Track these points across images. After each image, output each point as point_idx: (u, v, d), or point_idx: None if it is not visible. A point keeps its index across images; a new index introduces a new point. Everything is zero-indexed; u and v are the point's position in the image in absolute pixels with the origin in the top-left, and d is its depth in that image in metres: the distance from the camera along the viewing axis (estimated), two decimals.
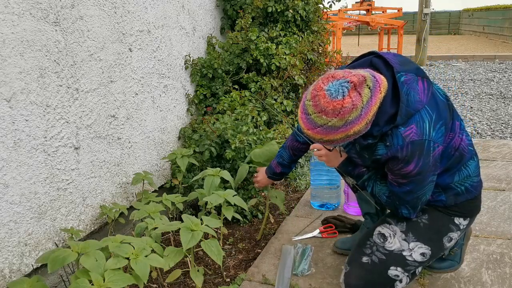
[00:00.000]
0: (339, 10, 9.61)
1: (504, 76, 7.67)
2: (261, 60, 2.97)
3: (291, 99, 3.19)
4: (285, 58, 3.02)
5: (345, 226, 2.22)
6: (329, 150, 1.64)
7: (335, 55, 3.79)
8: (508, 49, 12.46)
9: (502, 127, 4.51)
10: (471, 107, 5.40)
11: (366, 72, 1.28)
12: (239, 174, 2.15)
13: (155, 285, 1.88)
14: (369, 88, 1.25)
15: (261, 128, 2.67)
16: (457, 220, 1.56)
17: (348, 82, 1.24)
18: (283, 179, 3.01)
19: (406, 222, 1.57)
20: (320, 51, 3.62)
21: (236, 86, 2.96)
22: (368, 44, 15.12)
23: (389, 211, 1.80)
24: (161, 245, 1.65)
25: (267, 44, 2.99)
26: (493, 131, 4.39)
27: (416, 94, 1.36)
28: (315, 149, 1.71)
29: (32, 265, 1.66)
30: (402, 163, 1.37)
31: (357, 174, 1.64)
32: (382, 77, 1.31)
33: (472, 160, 1.54)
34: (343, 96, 1.23)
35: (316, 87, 1.28)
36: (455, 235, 1.57)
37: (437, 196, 1.54)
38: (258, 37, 3.01)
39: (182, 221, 1.65)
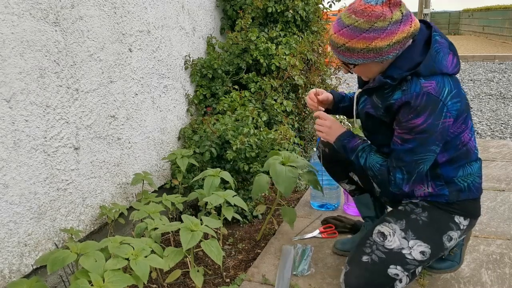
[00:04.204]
0: (339, 10, 9.59)
1: (504, 77, 7.67)
2: (261, 61, 2.97)
3: (291, 99, 3.19)
4: (285, 59, 3.02)
5: (345, 227, 2.23)
6: (348, 71, 1.54)
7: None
8: (508, 49, 12.47)
9: (501, 127, 4.52)
10: (471, 108, 5.41)
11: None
12: (259, 186, 1.99)
13: (154, 286, 1.88)
14: (401, 13, 1.33)
15: (261, 128, 2.67)
16: (457, 219, 1.56)
17: None
18: None
19: (405, 220, 1.57)
20: (320, 51, 3.62)
21: (236, 87, 2.96)
22: None
23: (389, 210, 1.80)
24: (161, 245, 1.65)
25: (267, 44, 2.99)
26: (493, 131, 4.40)
27: (444, 59, 1.41)
28: (317, 120, 1.71)
29: (32, 266, 1.66)
30: (413, 113, 1.37)
31: (351, 147, 1.62)
32: (417, 20, 1.39)
33: (476, 162, 1.57)
34: (376, 3, 1.33)
35: None
36: (455, 235, 1.57)
37: (440, 190, 1.54)
38: (258, 37, 3.01)
39: (182, 221, 1.65)
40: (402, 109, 1.40)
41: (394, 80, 1.41)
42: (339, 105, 1.87)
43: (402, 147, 1.45)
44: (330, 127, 1.68)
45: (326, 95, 1.82)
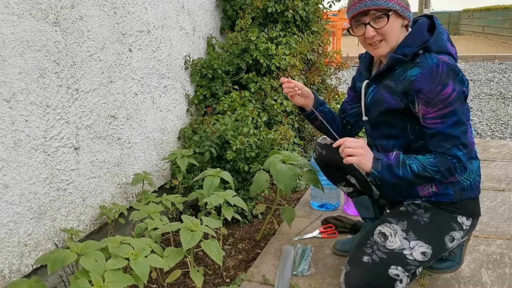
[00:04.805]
0: (339, 10, 9.60)
1: (504, 77, 7.67)
2: (261, 61, 2.97)
3: None
4: (285, 59, 3.02)
5: (345, 227, 2.22)
6: (378, 27, 1.45)
7: (335, 55, 3.79)
8: (508, 49, 12.47)
9: (502, 127, 4.52)
10: (471, 108, 5.40)
11: None
12: (258, 184, 2.00)
13: (154, 286, 1.88)
14: None
15: (261, 128, 2.67)
16: (460, 219, 1.57)
17: None
18: None
19: (407, 221, 1.57)
20: (320, 52, 3.62)
21: (236, 87, 2.97)
22: None
23: (387, 211, 1.80)
24: (161, 245, 1.65)
25: (267, 44, 2.99)
26: (493, 131, 4.40)
27: (447, 43, 1.47)
28: (346, 149, 1.45)
29: (32, 266, 1.66)
30: (439, 84, 1.37)
31: (394, 161, 1.45)
32: None
33: (475, 160, 1.59)
34: None
35: None
36: (457, 235, 1.57)
37: (444, 189, 1.55)
38: (258, 37, 3.01)
39: (182, 221, 1.65)
40: (425, 90, 1.39)
41: (406, 56, 1.45)
42: (319, 107, 1.79)
43: (446, 124, 1.40)
44: (363, 147, 1.47)
45: (306, 89, 1.75)
